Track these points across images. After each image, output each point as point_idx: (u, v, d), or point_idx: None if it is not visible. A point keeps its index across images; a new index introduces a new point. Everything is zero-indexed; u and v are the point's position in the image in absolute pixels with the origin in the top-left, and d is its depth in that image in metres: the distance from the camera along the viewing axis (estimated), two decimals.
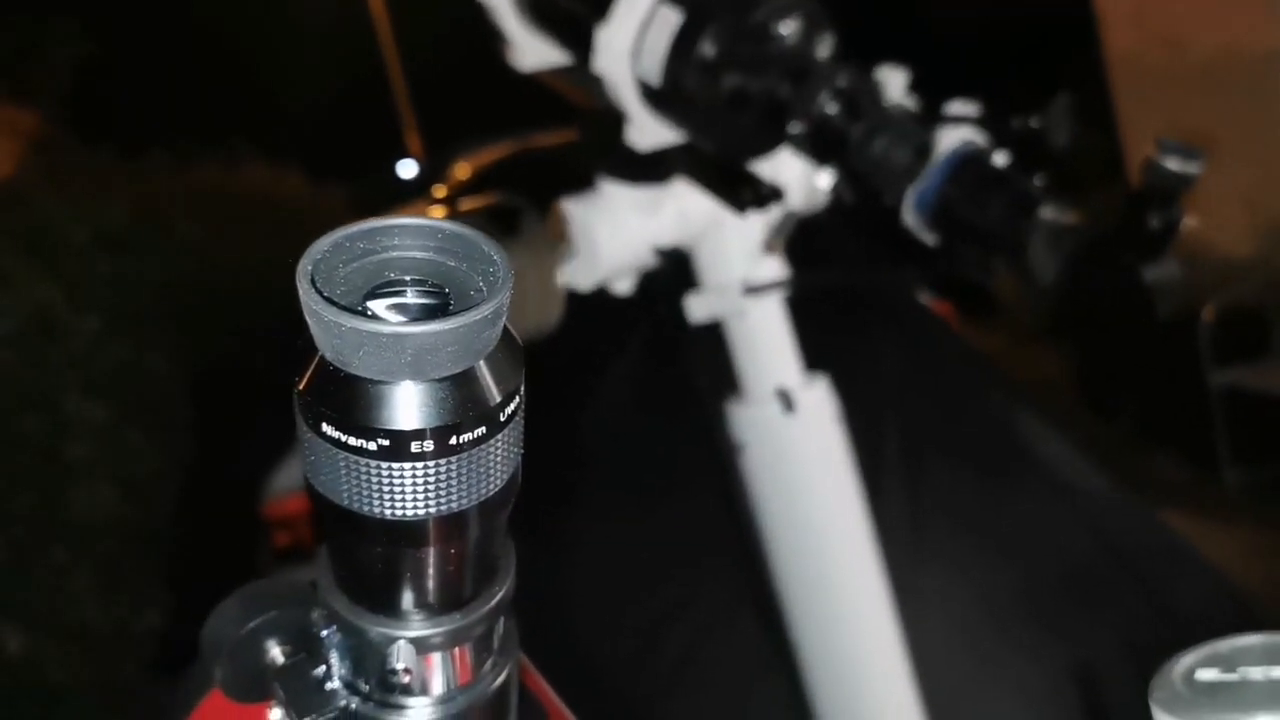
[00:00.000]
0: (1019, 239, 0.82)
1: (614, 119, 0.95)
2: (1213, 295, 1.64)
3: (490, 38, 1.04)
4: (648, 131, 0.93)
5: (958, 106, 0.89)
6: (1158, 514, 1.59)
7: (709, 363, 1.14)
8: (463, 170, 1.50)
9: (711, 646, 1.42)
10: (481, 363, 0.31)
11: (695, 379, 1.29)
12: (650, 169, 0.99)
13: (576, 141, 1.10)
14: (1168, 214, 0.79)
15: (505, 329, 0.31)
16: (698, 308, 1.08)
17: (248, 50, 2.62)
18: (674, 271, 1.07)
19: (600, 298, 1.06)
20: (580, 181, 1.04)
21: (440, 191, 1.39)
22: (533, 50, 1.01)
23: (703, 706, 1.40)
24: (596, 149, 1.01)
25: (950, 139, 0.87)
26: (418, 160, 2.51)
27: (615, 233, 1.02)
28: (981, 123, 0.89)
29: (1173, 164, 0.77)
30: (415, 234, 0.32)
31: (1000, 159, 0.87)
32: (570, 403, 1.36)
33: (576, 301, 1.01)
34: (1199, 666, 0.41)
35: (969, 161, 0.85)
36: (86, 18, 2.60)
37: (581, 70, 0.94)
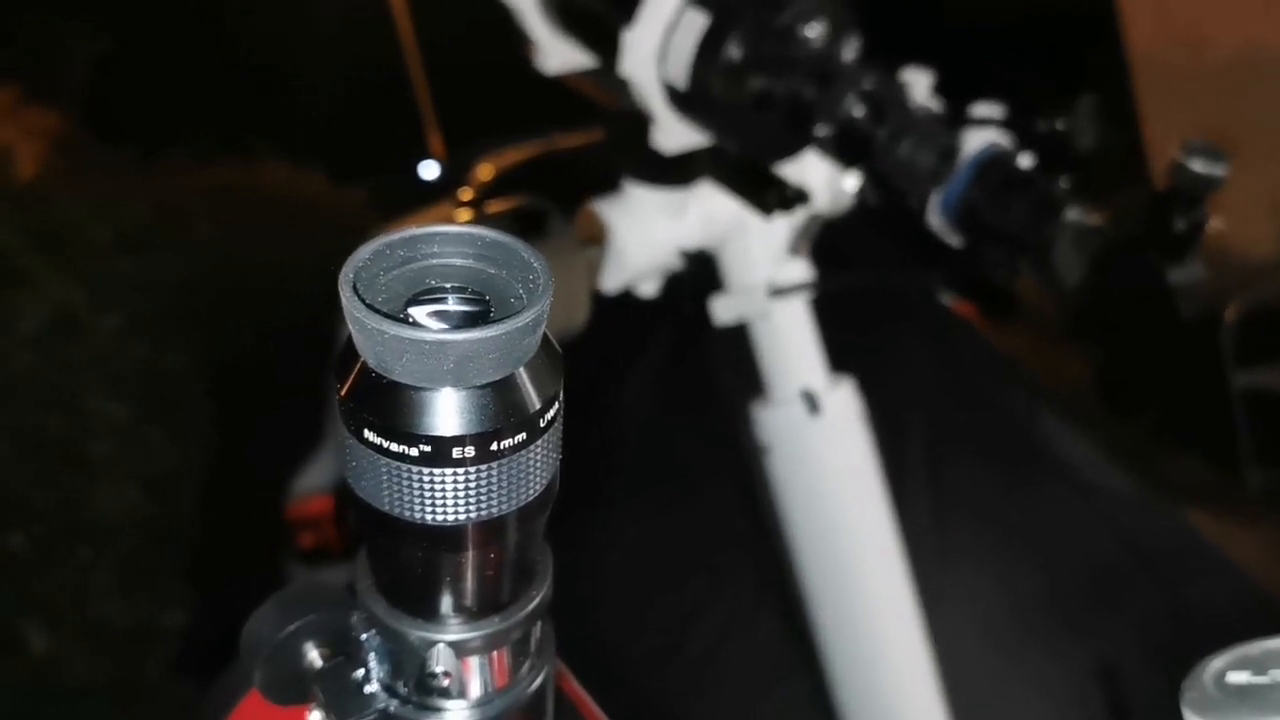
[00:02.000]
0: (1044, 241, 0.82)
1: (639, 121, 0.95)
2: (1235, 296, 1.64)
3: (514, 39, 1.04)
4: (673, 134, 0.93)
5: (982, 109, 0.89)
6: (1181, 515, 1.58)
7: (734, 365, 1.14)
8: (485, 172, 1.51)
9: (733, 646, 1.42)
10: (522, 370, 0.31)
11: (720, 381, 1.29)
12: (676, 171, 0.99)
13: (601, 144, 1.10)
14: (1193, 216, 0.79)
15: (545, 336, 0.32)
16: (723, 310, 1.09)
17: (267, 49, 2.63)
18: (699, 274, 1.07)
19: (626, 300, 1.06)
20: (604, 184, 1.05)
21: (466, 194, 1.39)
22: (558, 53, 1.01)
23: (725, 706, 1.40)
24: (622, 151, 1.01)
25: (975, 141, 0.87)
26: (439, 161, 2.51)
27: (641, 235, 1.02)
28: (1006, 125, 0.89)
29: (1198, 166, 0.77)
30: (455, 241, 0.32)
31: (1025, 161, 0.87)
32: (595, 404, 1.36)
33: (602, 303, 1.01)
34: (1229, 669, 0.41)
35: (994, 164, 0.86)
36: (105, 18, 2.61)
37: (607, 73, 0.95)
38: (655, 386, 1.45)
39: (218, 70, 2.59)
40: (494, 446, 0.31)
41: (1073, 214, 0.81)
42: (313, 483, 1.62)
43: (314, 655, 0.39)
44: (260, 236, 2.34)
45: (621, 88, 0.93)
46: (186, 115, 2.54)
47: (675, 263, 1.06)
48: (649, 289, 1.07)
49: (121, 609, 1.74)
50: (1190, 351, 1.60)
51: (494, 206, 1.16)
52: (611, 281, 1.02)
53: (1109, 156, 0.89)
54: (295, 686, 0.39)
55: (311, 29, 2.73)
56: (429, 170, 2.59)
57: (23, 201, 2.30)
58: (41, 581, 1.72)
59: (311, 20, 2.74)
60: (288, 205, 2.44)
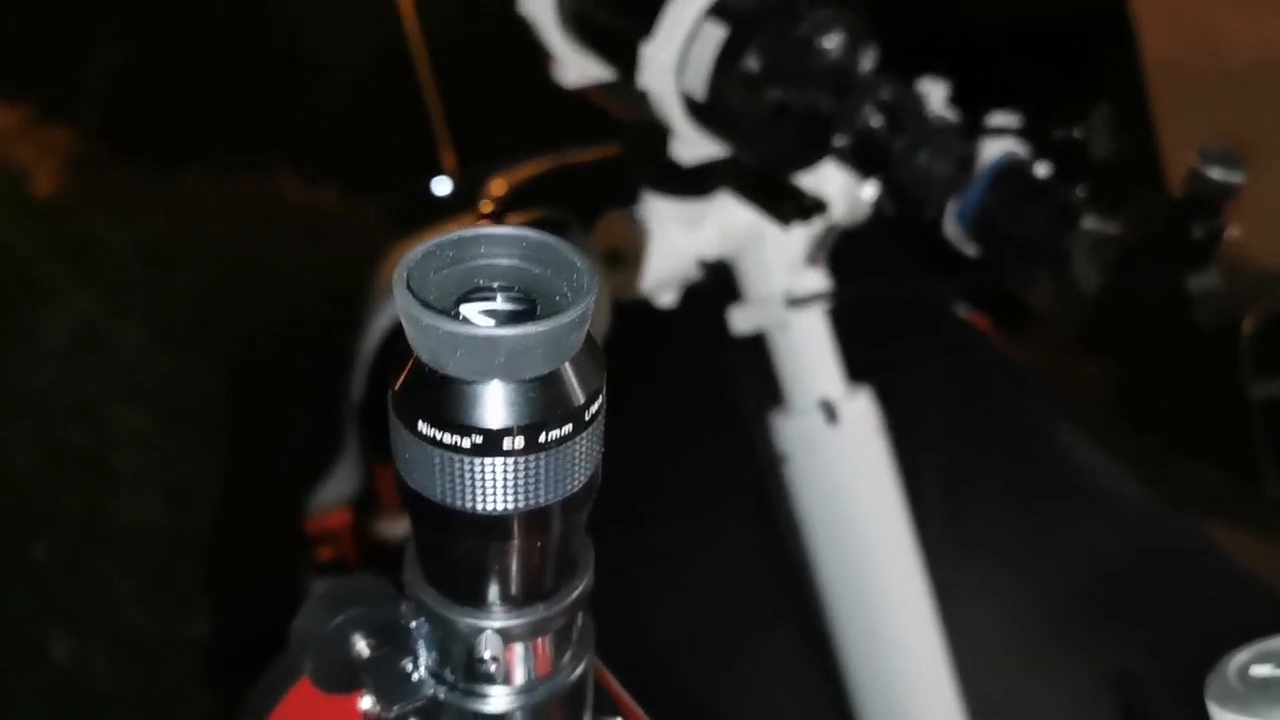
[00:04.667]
0: (1061, 249, 0.83)
1: (658, 133, 0.96)
2: (1253, 305, 1.64)
3: (528, 54, 1.06)
4: (692, 145, 0.94)
5: (999, 118, 0.90)
6: (1198, 523, 1.59)
7: (751, 374, 1.15)
8: (498, 187, 1.52)
9: (750, 655, 1.42)
10: (567, 364, 0.32)
11: (737, 390, 1.30)
12: (694, 182, 1.01)
13: (614, 157, 1.11)
14: (1211, 224, 0.80)
15: (589, 334, 0.33)
16: (741, 319, 1.10)
17: (283, 65, 2.65)
18: (717, 284, 1.08)
19: (644, 309, 1.07)
20: (617, 197, 1.06)
21: (486, 207, 1.40)
22: (577, 66, 1.02)
23: (742, 713, 1.41)
24: (641, 163, 1.03)
25: (992, 150, 0.88)
26: (452, 177, 2.53)
27: (660, 246, 1.03)
28: (1022, 134, 0.90)
29: (1216, 173, 0.78)
30: (502, 243, 0.34)
31: (1042, 169, 0.87)
32: (611, 414, 1.37)
33: (620, 313, 1.02)
34: (1254, 663, 0.42)
35: (1010, 172, 0.86)
36: (123, 33, 2.63)
37: (626, 85, 0.96)
38: (672, 395, 1.45)
39: (234, 85, 2.61)
40: (541, 438, 0.32)
41: (1090, 222, 0.82)
42: (331, 497, 1.63)
43: (362, 645, 0.41)
44: (278, 249, 2.36)
45: (640, 100, 0.94)
46: (204, 130, 2.56)
47: (693, 273, 1.07)
48: (667, 299, 1.09)
49: (143, 618, 1.75)
50: (1207, 361, 1.60)
51: (513, 219, 1.18)
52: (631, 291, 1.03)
53: (1125, 165, 0.89)
54: (345, 676, 0.40)
55: (327, 45, 2.75)
56: (441, 186, 2.61)
57: (44, 215, 2.33)
58: (64, 591, 1.73)
59: (327, 36, 2.76)
60: (304, 219, 2.46)
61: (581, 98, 1.06)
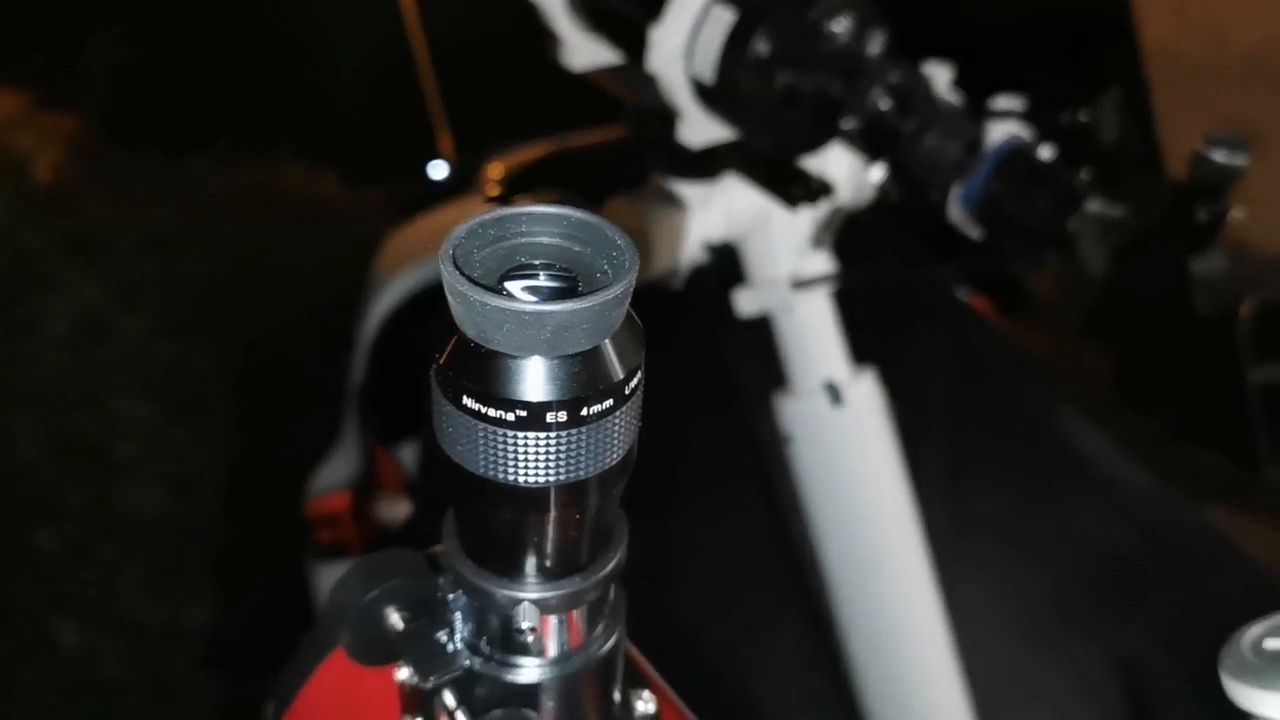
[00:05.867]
0: (1066, 232, 0.83)
1: (665, 117, 0.96)
2: (1251, 290, 1.64)
3: (528, 40, 1.06)
4: (699, 129, 0.94)
5: (1003, 101, 0.90)
6: (1199, 509, 1.59)
7: (756, 356, 1.16)
8: (496, 170, 1.52)
9: (755, 637, 1.43)
10: (607, 341, 0.33)
11: (741, 372, 1.31)
12: (701, 166, 1.01)
13: (615, 140, 1.11)
14: (1215, 207, 0.80)
15: (629, 311, 0.33)
16: (746, 302, 1.10)
17: (285, 55, 2.65)
18: (723, 266, 1.09)
19: (649, 292, 1.07)
20: (617, 180, 1.06)
21: (492, 190, 1.40)
22: (584, 50, 1.02)
23: (747, 697, 1.42)
24: (648, 146, 1.03)
25: (997, 133, 0.88)
26: (449, 161, 2.52)
27: (666, 230, 1.03)
28: (1027, 117, 0.90)
29: (1220, 156, 0.78)
30: (544, 221, 0.34)
31: (1046, 153, 0.88)
32: None
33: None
34: (1267, 636, 0.42)
35: (1016, 155, 0.86)
36: (127, 23, 2.63)
37: (634, 69, 0.96)
38: (677, 377, 1.46)
39: (237, 76, 2.61)
40: (583, 412, 0.33)
41: (1094, 205, 0.82)
42: (330, 480, 1.63)
43: (396, 618, 0.41)
44: (281, 238, 2.36)
45: (648, 83, 0.95)
46: (207, 120, 2.57)
47: (699, 255, 1.07)
48: (673, 281, 1.09)
49: (149, 606, 1.76)
50: (1208, 346, 1.61)
51: (519, 203, 1.18)
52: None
53: (1130, 150, 0.90)
54: (379, 647, 0.41)
55: (329, 34, 2.75)
56: (438, 170, 2.60)
57: (49, 206, 2.33)
58: (71, 579, 1.74)
59: (328, 28, 2.76)
60: (307, 208, 2.46)
61: (579, 82, 1.06)
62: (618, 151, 1.09)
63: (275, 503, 1.78)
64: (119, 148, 2.55)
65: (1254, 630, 0.43)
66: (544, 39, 1.05)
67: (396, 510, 1.55)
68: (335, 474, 1.62)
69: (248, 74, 2.60)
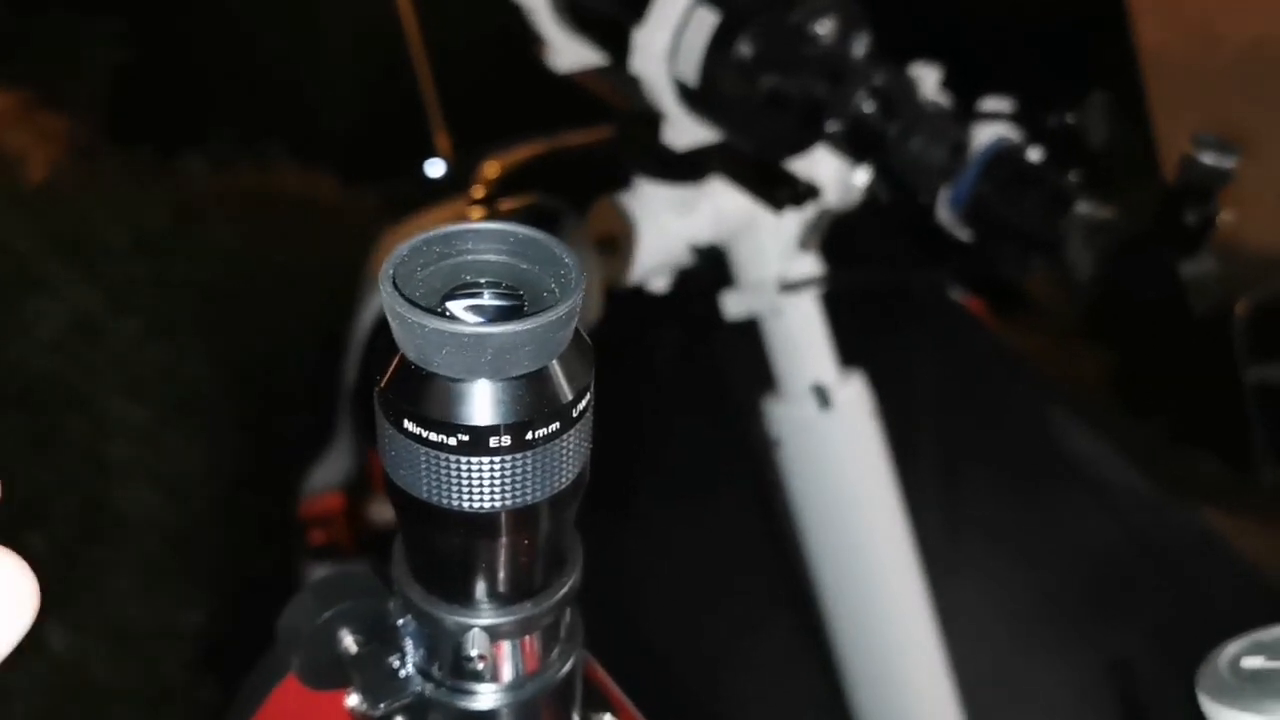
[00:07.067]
0: (1055, 235, 0.82)
1: (651, 119, 0.96)
2: (1246, 291, 1.64)
3: (522, 39, 1.05)
4: (684, 131, 0.94)
5: (992, 103, 0.90)
6: (1194, 511, 1.59)
7: (744, 360, 1.15)
8: (491, 169, 1.51)
9: (747, 640, 1.43)
10: (555, 362, 0.32)
11: (729, 375, 1.30)
12: (687, 168, 1.00)
13: (607, 141, 1.11)
14: (1204, 209, 0.79)
15: (577, 330, 0.33)
16: (733, 305, 1.09)
17: (280, 55, 2.64)
18: (710, 269, 1.08)
19: (636, 295, 1.07)
20: (610, 181, 1.05)
21: (479, 192, 1.40)
22: (569, 51, 1.02)
23: (739, 700, 1.41)
24: (633, 149, 1.02)
25: (985, 135, 0.87)
26: (445, 160, 2.52)
27: (652, 232, 1.03)
28: (1016, 119, 0.89)
29: (1209, 159, 0.77)
30: (489, 238, 0.33)
31: (1035, 155, 0.87)
32: (604, 399, 1.37)
33: (613, 299, 1.02)
34: (1244, 654, 0.41)
35: (1004, 157, 0.86)
36: (121, 23, 2.63)
37: (619, 71, 0.95)
38: (665, 381, 1.45)
39: (230, 75, 2.60)
40: (528, 436, 0.32)
41: (1083, 207, 0.81)
42: (323, 480, 1.63)
43: (349, 641, 0.40)
44: (275, 240, 2.35)
45: (633, 85, 0.94)
46: (201, 120, 2.56)
47: (686, 258, 1.07)
48: (660, 285, 1.08)
49: (141, 610, 1.75)
50: (1202, 347, 1.60)
51: (506, 204, 1.17)
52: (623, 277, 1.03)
53: (1120, 152, 0.89)
54: (332, 672, 0.40)
55: (323, 35, 2.74)
56: (434, 169, 2.60)
57: (40, 205, 2.32)
58: (61, 582, 1.73)
59: (323, 26, 2.76)
60: (301, 209, 2.45)
61: (573, 82, 1.06)
62: (611, 152, 1.09)
63: (269, 505, 1.77)
64: (115, 147, 2.54)
65: (1231, 648, 0.42)
66: (530, 40, 1.04)
67: (389, 512, 1.55)
68: (328, 475, 1.61)
69: (242, 73, 2.59)
